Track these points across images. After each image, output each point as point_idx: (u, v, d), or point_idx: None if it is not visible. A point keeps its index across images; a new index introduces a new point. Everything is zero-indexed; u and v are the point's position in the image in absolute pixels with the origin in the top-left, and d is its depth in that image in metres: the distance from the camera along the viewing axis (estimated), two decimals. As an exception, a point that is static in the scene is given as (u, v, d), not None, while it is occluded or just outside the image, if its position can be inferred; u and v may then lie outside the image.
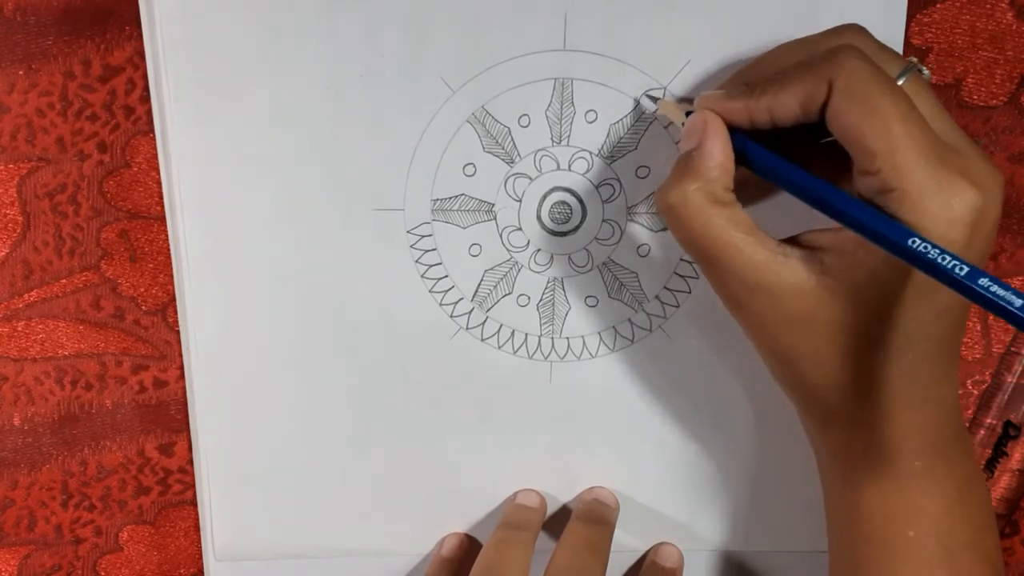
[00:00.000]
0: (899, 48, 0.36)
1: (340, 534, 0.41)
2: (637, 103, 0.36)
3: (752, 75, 0.32)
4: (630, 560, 0.43)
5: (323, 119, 0.36)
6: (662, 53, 0.36)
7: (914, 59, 0.30)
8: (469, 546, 0.42)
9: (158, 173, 0.37)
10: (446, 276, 0.38)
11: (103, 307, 0.39)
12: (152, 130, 0.37)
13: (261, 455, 0.40)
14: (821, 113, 0.29)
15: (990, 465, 0.42)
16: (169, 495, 0.42)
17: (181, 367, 0.40)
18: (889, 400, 0.31)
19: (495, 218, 0.38)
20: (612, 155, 0.37)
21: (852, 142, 0.28)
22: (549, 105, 0.36)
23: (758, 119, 0.30)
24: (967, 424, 0.42)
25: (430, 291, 0.38)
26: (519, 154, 0.37)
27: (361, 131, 0.36)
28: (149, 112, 0.37)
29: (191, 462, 0.41)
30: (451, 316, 0.39)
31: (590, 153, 0.37)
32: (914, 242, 0.26)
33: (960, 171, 0.27)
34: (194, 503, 0.42)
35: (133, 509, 0.42)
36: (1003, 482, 0.42)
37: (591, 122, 0.37)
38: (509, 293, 0.39)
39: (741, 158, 0.31)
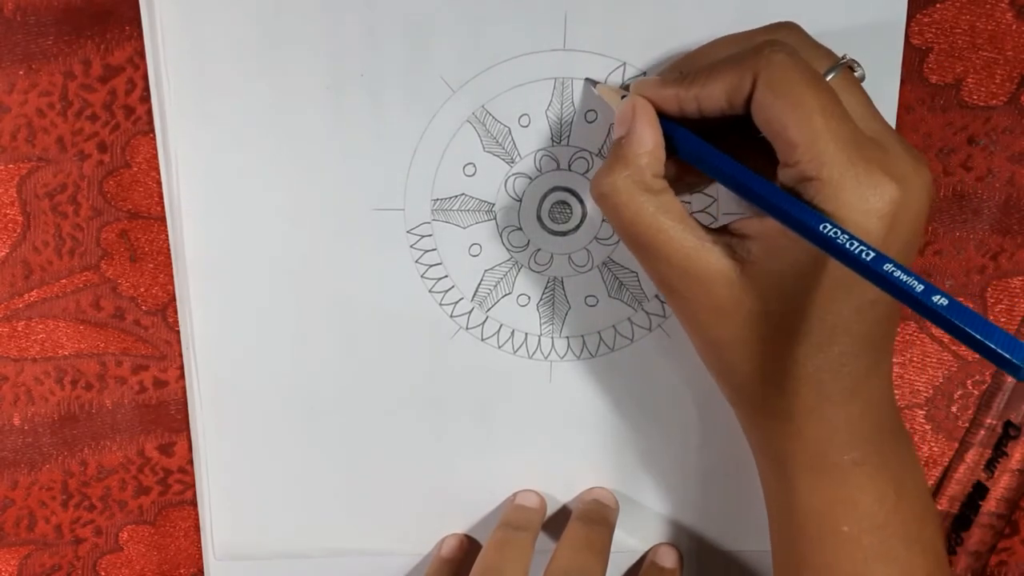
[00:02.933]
0: (899, 48, 0.36)
1: (340, 534, 0.41)
2: (584, 87, 0.36)
3: (689, 64, 0.33)
4: (630, 560, 0.43)
5: (323, 119, 0.36)
6: (662, 53, 0.36)
7: (846, 55, 0.31)
8: (469, 547, 0.42)
9: (158, 173, 0.37)
10: (446, 276, 0.38)
11: (103, 307, 0.39)
12: (152, 130, 0.37)
13: (261, 455, 0.40)
14: (747, 106, 0.29)
15: (990, 465, 0.42)
16: (169, 495, 0.42)
17: (181, 367, 0.40)
18: (814, 393, 0.31)
19: (495, 218, 0.38)
20: (612, 155, 0.37)
21: (774, 134, 0.28)
22: (549, 105, 0.36)
23: (687, 108, 0.31)
24: (967, 424, 0.42)
25: (430, 291, 0.38)
26: (519, 154, 0.37)
27: (361, 131, 0.36)
28: (149, 112, 0.37)
29: (191, 462, 0.41)
30: (451, 316, 0.39)
31: (590, 153, 0.37)
32: (825, 227, 0.27)
33: (880, 164, 0.28)
34: (194, 503, 0.42)
35: (133, 509, 0.42)
36: (1003, 482, 0.42)
37: (591, 122, 0.37)
38: (509, 293, 0.39)
39: (672, 144, 0.31)
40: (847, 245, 0.26)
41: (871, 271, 0.25)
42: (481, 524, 0.42)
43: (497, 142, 0.37)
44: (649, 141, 0.31)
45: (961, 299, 0.40)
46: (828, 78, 0.29)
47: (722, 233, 0.31)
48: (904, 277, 0.25)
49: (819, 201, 0.28)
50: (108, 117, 0.37)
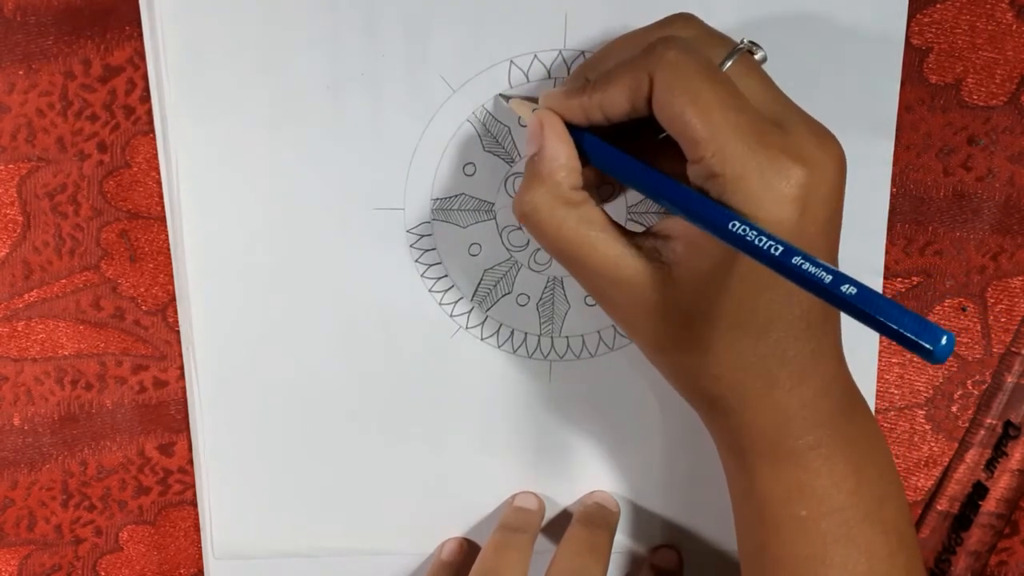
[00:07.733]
0: (899, 48, 0.36)
1: (340, 534, 0.41)
2: (497, 100, 0.36)
3: (592, 69, 0.32)
4: (630, 562, 0.43)
5: (323, 119, 0.36)
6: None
7: (744, 40, 0.30)
8: (468, 549, 0.42)
9: (158, 173, 0.37)
10: (446, 275, 0.38)
11: (103, 307, 0.39)
12: (152, 130, 0.37)
13: (261, 455, 0.40)
14: (650, 106, 0.29)
15: (990, 465, 0.42)
16: (169, 495, 0.42)
17: (181, 367, 0.40)
18: (762, 382, 0.31)
19: (495, 217, 0.38)
20: (612, 155, 0.37)
21: (677, 133, 0.28)
22: (549, 105, 0.36)
23: (593, 116, 0.31)
24: (967, 424, 0.42)
25: (429, 291, 0.38)
26: (519, 153, 0.37)
27: (361, 131, 0.36)
28: (149, 112, 0.37)
29: (191, 462, 0.41)
30: (450, 315, 0.39)
31: (590, 153, 0.37)
32: (734, 225, 0.26)
33: (783, 150, 0.28)
34: (194, 503, 0.42)
35: (133, 509, 0.42)
36: (1003, 482, 0.42)
37: (591, 122, 0.36)
38: (509, 292, 0.39)
39: (584, 153, 0.31)
40: (756, 241, 0.26)
41: (780, 264, 0.25)
42: (480, 525, 0.42)
43: (497, 142, 0.37)
44: (561, 155, 0.31)
45: (961, 299, 0.40)
46: (727, 66, 0.29)
47: (646, 237, 0.31)
48: (812, 269, 0.24)
49: (727, 195, 0.27)
50: (108, 117, 0.37)
